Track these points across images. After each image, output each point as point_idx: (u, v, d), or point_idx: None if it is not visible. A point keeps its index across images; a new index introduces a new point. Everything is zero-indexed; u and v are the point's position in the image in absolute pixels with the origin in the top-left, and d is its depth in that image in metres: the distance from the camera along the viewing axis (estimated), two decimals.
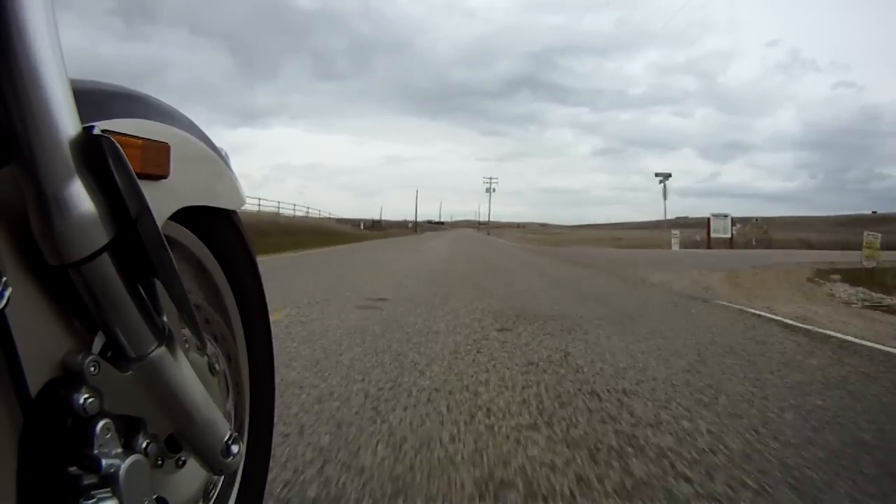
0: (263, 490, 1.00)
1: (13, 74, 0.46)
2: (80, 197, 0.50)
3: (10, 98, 0.46)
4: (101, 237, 0.51)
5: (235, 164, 0.89)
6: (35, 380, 0.49)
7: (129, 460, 0.54)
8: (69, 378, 0.51)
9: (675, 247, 30.17)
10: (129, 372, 0.56)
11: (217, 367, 0.76)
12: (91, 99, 0.59)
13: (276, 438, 1.32)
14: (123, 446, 0.56)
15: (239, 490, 0.88)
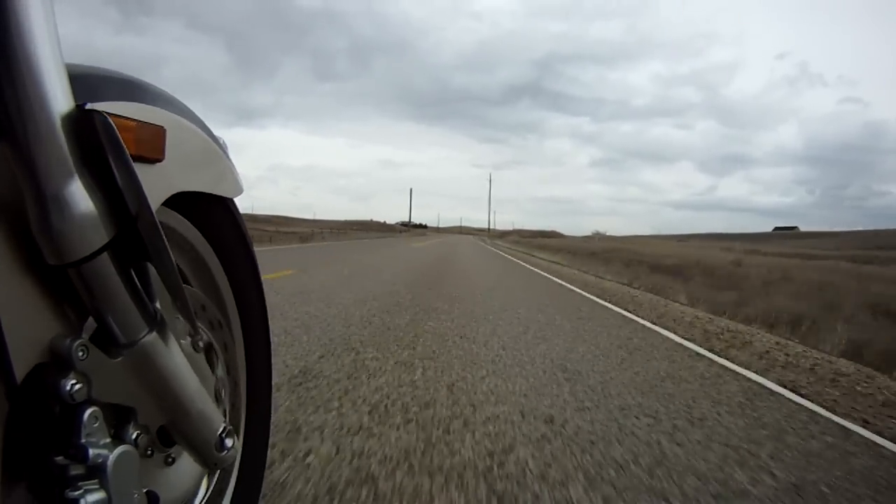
0: (260, 487, 0.98)
1: (8, 53, 0.45)
2: (79, 194, 0.49)
3: (4, 76, 0.45)
4: (100, 238, 0.50)
5: None
6: (21, 364, 0.47)
7: (117, 451, 0.52)
8: (56, 363, 0.49)
9: None
10: (120, 358, 0.54)
11: (212, 357, 0.74)
12: (86, 82, 0.58)
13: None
14: (112, 436, 0.54)
15: (235, 487, 0.86)
